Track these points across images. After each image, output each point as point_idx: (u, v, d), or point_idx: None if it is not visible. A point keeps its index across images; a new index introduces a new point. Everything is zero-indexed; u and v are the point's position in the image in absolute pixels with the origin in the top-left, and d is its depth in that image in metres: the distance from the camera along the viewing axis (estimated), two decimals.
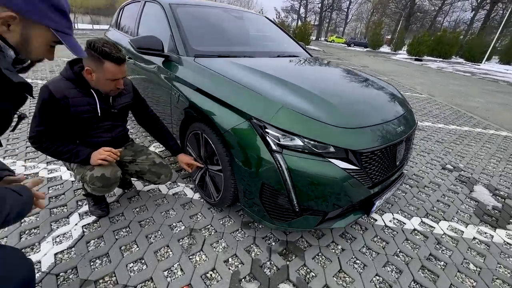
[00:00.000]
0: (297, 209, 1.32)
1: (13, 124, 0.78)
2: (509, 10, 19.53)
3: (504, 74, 15.13)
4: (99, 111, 1.38)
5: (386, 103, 1.69)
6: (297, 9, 55.11)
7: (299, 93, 1.44)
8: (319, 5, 53.58)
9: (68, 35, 0.75)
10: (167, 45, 1.94)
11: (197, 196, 1.91)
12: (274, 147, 1.25)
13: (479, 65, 20.29)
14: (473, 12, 43.33)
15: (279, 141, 1.26)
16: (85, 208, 1.68)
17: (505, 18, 19.17)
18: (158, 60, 1.99)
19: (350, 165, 1.29)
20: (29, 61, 0.76)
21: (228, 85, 1.48)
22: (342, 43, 42.62)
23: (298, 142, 1.26)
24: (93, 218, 1.60)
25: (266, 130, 1.27)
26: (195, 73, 1.69)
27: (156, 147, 2.59)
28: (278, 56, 2.22)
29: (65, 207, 1.69)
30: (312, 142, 1.25)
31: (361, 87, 1.84)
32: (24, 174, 1.94)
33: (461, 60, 24.07)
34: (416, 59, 20.02)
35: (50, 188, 1.85)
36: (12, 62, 0.70)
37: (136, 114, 1.70)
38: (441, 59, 22.58)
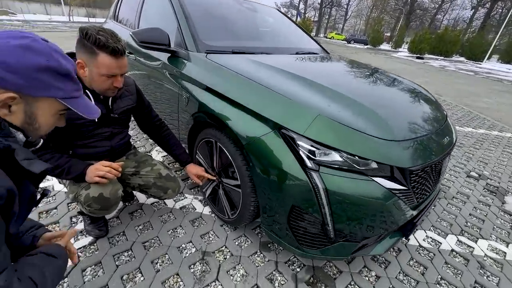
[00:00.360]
0: (332, 236, 1.11)
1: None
2: (511, 10, 19.35)
3: (507, 74, 15.02)
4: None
5: (426, 108, 1.48)
6: (296, 4, 54.53)
7: (335, 98, 1.23)
8: (319, 1, 53.06)
9: (77, 98, 0.69)
10: (174, 39, 1.71)
11: (207, 210, 1.70)
12: (309, 164, 1.04)
13: (480, 63, 20.17)
14: (473, 10, 43.25)
15: (315, 156, 1.05)
16: (81, 225, 1.46)
17: (508, 17, 18.98)
18: (164, 56, 1.76)
19: (396, 185, 1.09)
20: (41, 141, 0.72)
21: (250, 87, 1.26)
22: (342, 40, 42.28)
23: (336, 157, 1.05)
24: (89, 239, 1.39)
25: (298, 142, 1.06)
26: (208, 71, 1.46)
27: (159, 151, 2.37)
28: (297, 53, 1.99)
29: (57, 224, 1.47)
30: (353, 158, 1.04)
31: (398, 90, 1.62)
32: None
33: (462, 58, 23.94)
34: (417, 57, 19.83)
35: (40, 202, 1.62)
36: (23, 144, 0.64)
37: (139, 119, 1.47)
38: (442, 58, 22.42)
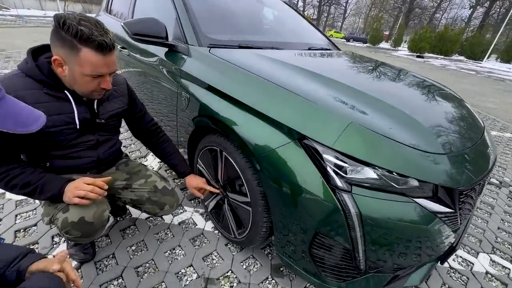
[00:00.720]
0: (362, 267, 0.93)
1: None
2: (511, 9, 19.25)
3: (508, 73, 14.93)
4: (77, 123, 0.95)
5: (466, 117, 1.28)
6: (295, 1, 54.16)
7: (368, 102, 1.03)
8: None
9: None
10: (172, 32, 1.51)
11: (209, 225, 1.50)
12: (339, 183, 0.85)
13: (480, 63, 20.08)
14: (471, 9, 43.30)
15: (345, 173, 0.85)
16: (63, 246, 1.26)
17: (509, 16, 18.89)
18: (161, 51, 1.55)
19: (442, 207, 0.90)
20: None
21: (264, 88, 1.06)
22: (341, 38, 42.06)
23: (370, 174, 0.86)
24: (73, 263, 1.19)
25: (325, 156, 0.87)
26: (211, 68, 1.26)
27: (155, 156, 2.16)
28: (310, 49, 1.79)
29: (37, 245, 1.27)
30: (391, 175, 0.85)
31: (433, 95, 1.41)
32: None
33: (461, 57, 23.85)
34: (417, 56, 19.69)
35: (18, 217, 1.42)
36: None
37: (131, 124, 1.27)
38: (442, 57, 22.30)
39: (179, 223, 1.49)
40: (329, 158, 0.86)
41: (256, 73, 1.11)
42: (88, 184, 0.89)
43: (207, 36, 1.43)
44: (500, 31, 19.22)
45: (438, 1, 45.15)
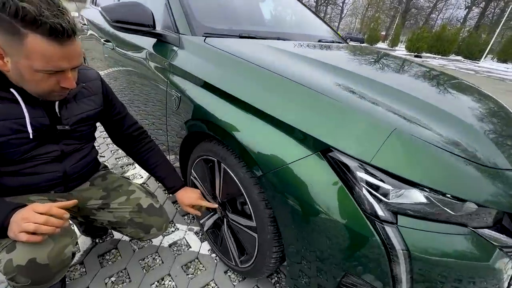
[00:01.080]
0: None
1: None
2: (508, 9, 19.28)
3: (506, 73, 14.87)
4: (30, 131, 0.72)
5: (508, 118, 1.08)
6: None
7: (409, 104, 0.81)
8: None
9: None
10: (161, 20, 1.28)
11: (205, 247, 1.28)
12: (380, 211, 0.63)
13: (478, 62, 20.07)
14: (467, 10, 43.66)
15: (388, 198, 0.64)
16: None
17: (506, 15, 18.90)
18: (148, 43, 1.32)
19: (510, 239, 0.69)
20: None
21: (276, 85, 0.84)
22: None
23: (418, 197, 0.64)
24: None
25: (358, 175, 0.65)
26: (207, 61, 1.04)
27: None
28: (320, 41, 1.57)
29: None
30: (445, 199, 0.64)
31: (479, 99, 1.18)
32: None
33: (459, 57, 23.85)
34: (415, 56, 19.62)
35: None
36: None
37: (109, 129, 1.04)
38: (440, 56, 22.28)
39: (170, 245, 1.27)
40: (364, 176, 0.64)
41: (265, 66, 0.89)
42: (41, 214, 0.66)
43: (201, 24, 1.21)
44: (497, 31, 19.23)
45: (434, 1, 45.44)
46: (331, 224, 0.67)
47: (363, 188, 0.64)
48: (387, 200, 0.63)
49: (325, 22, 2.05)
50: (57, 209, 0.68)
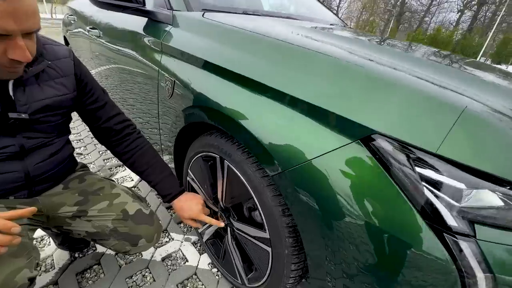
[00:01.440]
0: None
1: None
2: (501, 13, 19.57)
3: None
4: None
5: None
6: None
7: (472, 82, 0.65)
8: None
9: None
10: None
11: (205, 260, 1.09)
12: (450, 220, 0.46)
13: None
14: (459, 13, 44.50)
15: (460, 202, 0.46)
16: None
17: (499, 18, 19.19)
18: (136, 24, 1.15)
19: None
20: None
21: (302, 60, 0.65)
22: None
23: (491, 199, 0.47)
24: None
25: (418, 171, 0.47)
26: (208, 37, 0.86)
27: None
28: (331, 25, 1.41)
29: None
30: None
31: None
32: None
33: None
34: None
35: None
36: None
37: (87, 122, 0.85)
38: None
39: (163, 259, 1.08)
40: (426, 172, 0.47)
41: (283, 39, 0.72)
42: None
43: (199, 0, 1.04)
44: (491, 33, 19.48)
45: (427, 5, 46.20)
46: (379, 238, 0.49)
47: (425, 188, 0.47)
48: (459, 205, 0.46)
49: (334, 13, 1.90)
50: (3, 220, 0.49)
